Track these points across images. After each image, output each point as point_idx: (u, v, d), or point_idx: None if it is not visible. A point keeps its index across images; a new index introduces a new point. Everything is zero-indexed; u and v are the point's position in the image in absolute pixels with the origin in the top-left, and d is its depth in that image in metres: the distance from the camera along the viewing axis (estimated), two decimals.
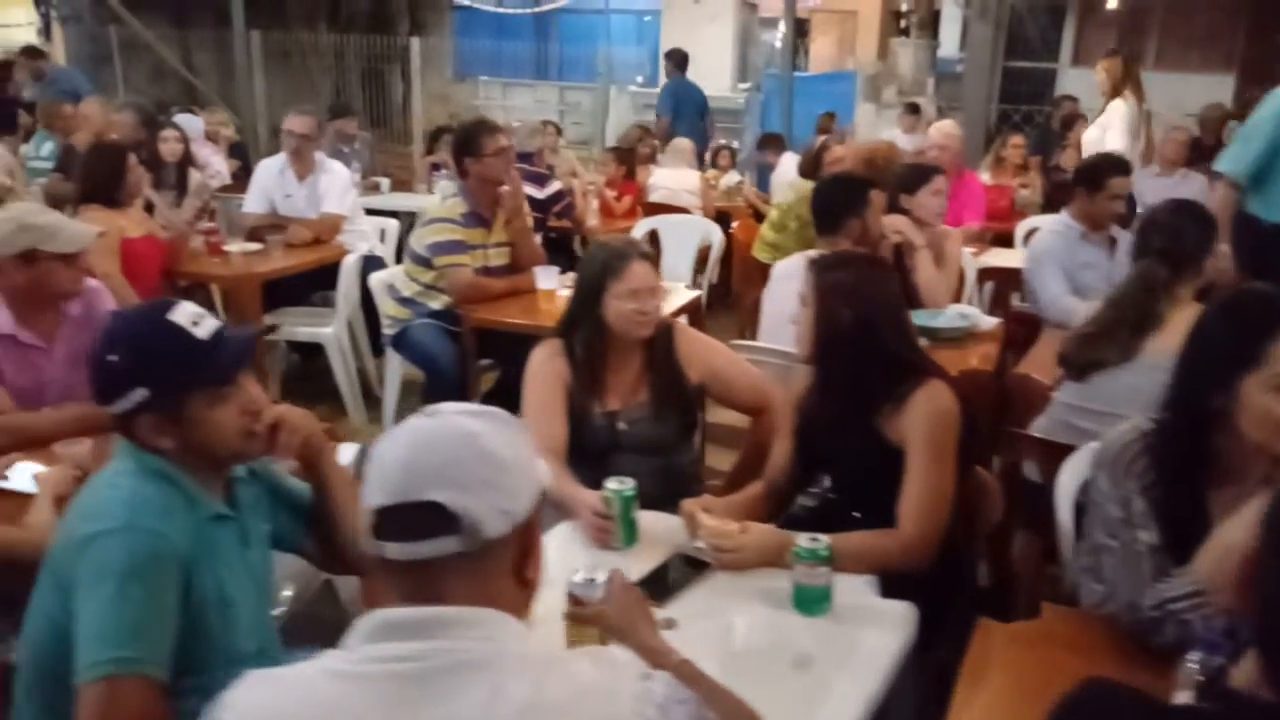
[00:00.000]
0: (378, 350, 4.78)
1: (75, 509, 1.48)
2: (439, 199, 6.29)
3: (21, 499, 2.13)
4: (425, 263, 3.75)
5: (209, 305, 5.12)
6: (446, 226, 3.68)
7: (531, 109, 12.05)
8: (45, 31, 14.01)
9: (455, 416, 1.08)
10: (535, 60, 16.57)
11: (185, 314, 1.48)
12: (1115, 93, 5.71)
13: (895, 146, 4.55)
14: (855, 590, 1.80)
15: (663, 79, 14.09)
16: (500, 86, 13.09)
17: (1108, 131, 5.70)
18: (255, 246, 4.53)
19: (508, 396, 4.04)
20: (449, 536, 1.01)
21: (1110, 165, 3.67)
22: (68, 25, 11.43)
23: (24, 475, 2.19)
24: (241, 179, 7.13)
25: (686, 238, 4.76)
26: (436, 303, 3.79)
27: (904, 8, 13.32)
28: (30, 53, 10.17)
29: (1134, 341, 2.33)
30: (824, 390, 2.12)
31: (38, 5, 13.59)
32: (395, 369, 4.03)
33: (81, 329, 2.63)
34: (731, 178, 7.42)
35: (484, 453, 1.05)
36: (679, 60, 9.17)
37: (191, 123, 6.59)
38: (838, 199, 3.13)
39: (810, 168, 5.06)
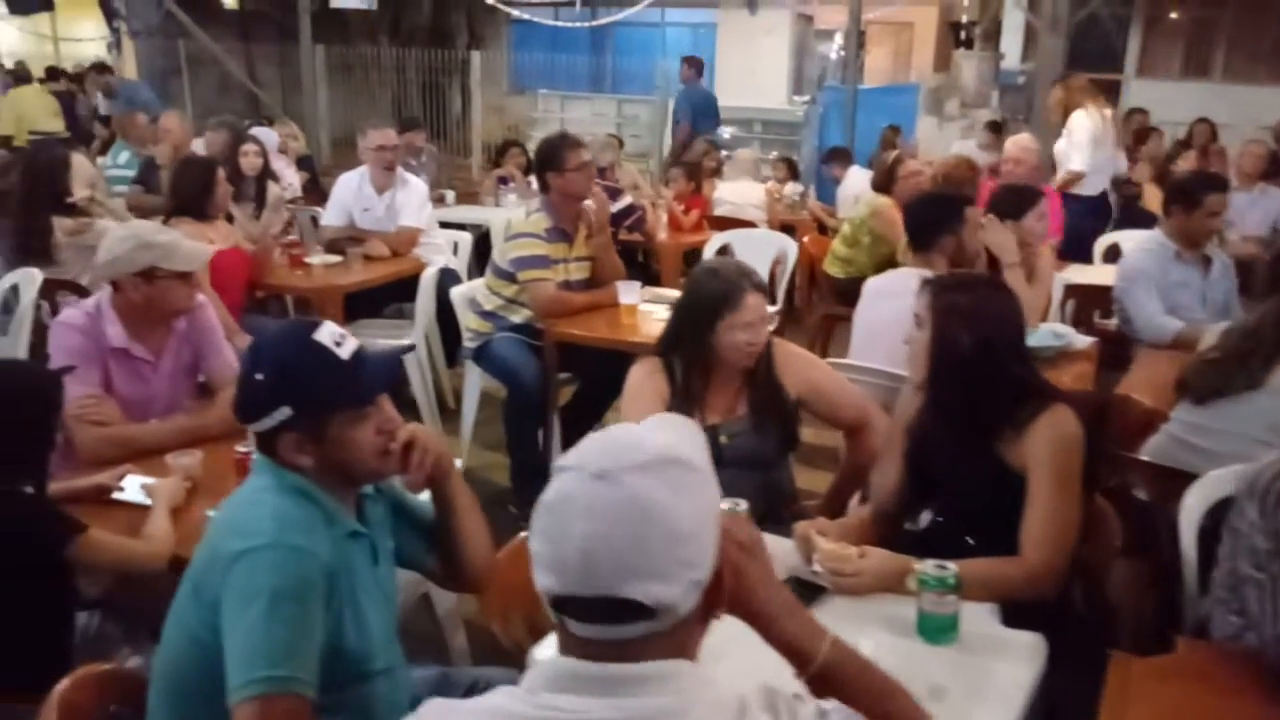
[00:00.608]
0: (450, 362, 4.84)
1: (218, 525, 1.49)
2: (507, 213, 6.40)
3: (134, 510, 2.17)
4: (508, 277, 3.77)
5: (285, 316, 5.21)
6: (530, 241, 3.70)
7: (590, 122, 12.10)
8: (116, 46, 14.40)
9: (632, 481, 0.96)
10: (591, 73, 16.66)
11: (329, 334, 1.50)
12: (1067, 112, 5.70)
13: (975, 162, 4.49)
14: (979, 619, 1.76)
15: (720, 91, 14.16)
16: (559, 99, 13.17)
17: (1071, 139, 5.66)
18: (335, 259, 4.59)
19: (585, 409, 4.08)
20: (642, 622, 0.96)
21: (1206, 182, 3.59)
22: (139, 40, 11.71)
23: (135, 487, 2.23)
24: (309, 191, 7.27)
25: (759, 252, 4.74)
26: (518, 316, 3.81)
27: (964, 19, 13.17)
28: (100, 68, 10.50)
29: (1265, 369, 2.27)
30: (939, 414, 2.08)
31: (109, 20, 13.96)
32: (474, 382, 4.05)
33: (186, 343, 2.68)
34: (791, 188, 7.38)
35: (671, 531, 0.96)
36: (698, 67, 9.45)
37: (268, 136, 6.70)
38: (932, 216, 3.09)
39: (883, 181, 5.01)
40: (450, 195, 6.86)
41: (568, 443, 3.99)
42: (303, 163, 8.03)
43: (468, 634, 2.60)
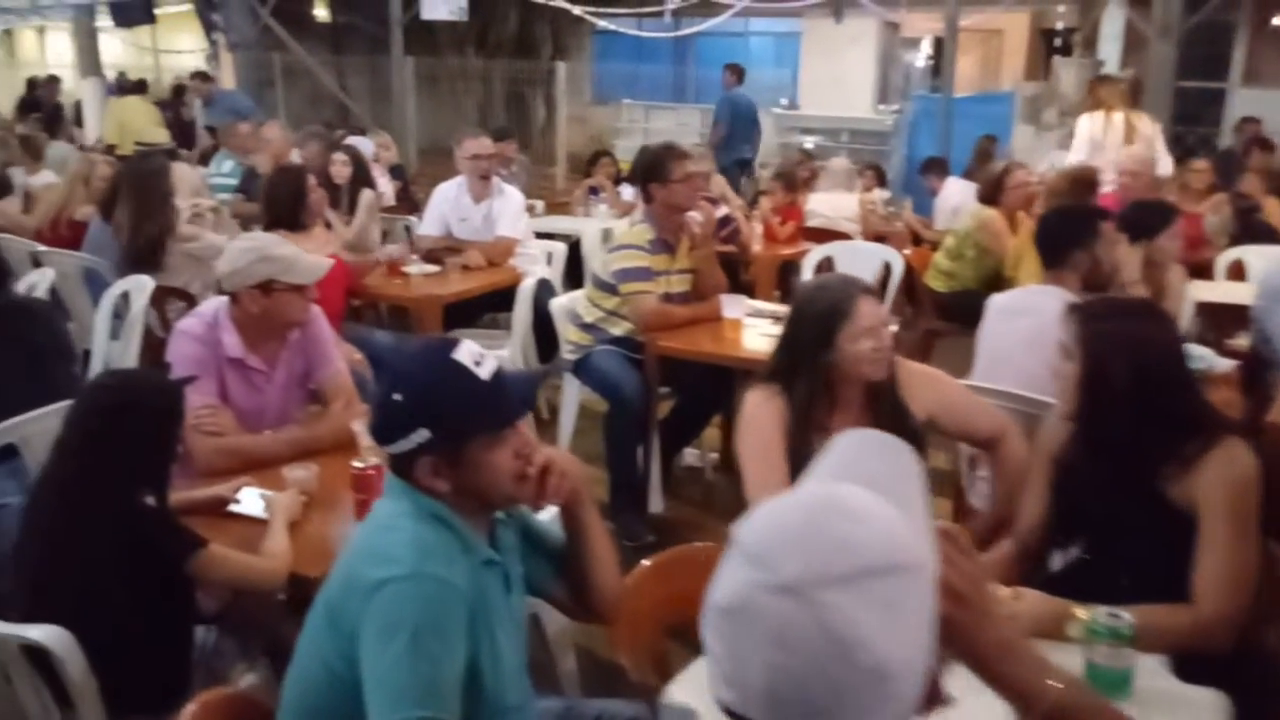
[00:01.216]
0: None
1: (356, 551, 1.44)
2: (598, 223, 6.36)
3: (250, 523, 2.15)
4: (610, 289, 3.70)
5: (379, 324, 5.24)
6: (633, 253, 3.63)
7: (674, 132, 12.02)
8: (214, 58, 14.83)
9: (830, 602, 0.77)
10: (673, 83, 16.64)
11: (468, 354, 1.43)
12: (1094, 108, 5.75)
13: (1096, 172, 4.28)
14: (1150, 671, 1.62)
15: (804, 101, 14.00)
16: (643, 109, 13.15)
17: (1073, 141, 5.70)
18: (434, 269, 4.59)
19: (685, 424, 4.00)
20: None
21: None
22: (237, 52, 12.02)
23: (251, 499, 2.20)
24: (401, 200, 7.34)
25: (863, 265, 4.59)
26: (618, 329, 3.74)
27: (1059, 25, 12.78)
28: (201, 76, 10.77)
29: None
30: (1092, 448, 1.94)
31: (209, 33, 14.38)
32: (573, 395, 3.98)
33: (299, 354, 2.66)
34: (878, 194, 7.20)
35: (877, 670, 0.78)
36: (739, 74, 10.24)
37: (363, 145, 6.78)
38: (1064, 231, 2.93)
39: (991, 193, 4.83)
40: (539, 205, 6.86)
41: (666, 457, 3.92)
42: (395, 172, 8.11)
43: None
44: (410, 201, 7.84)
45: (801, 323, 2.27)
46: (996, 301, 2.96)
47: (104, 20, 13.83)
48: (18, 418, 2.36)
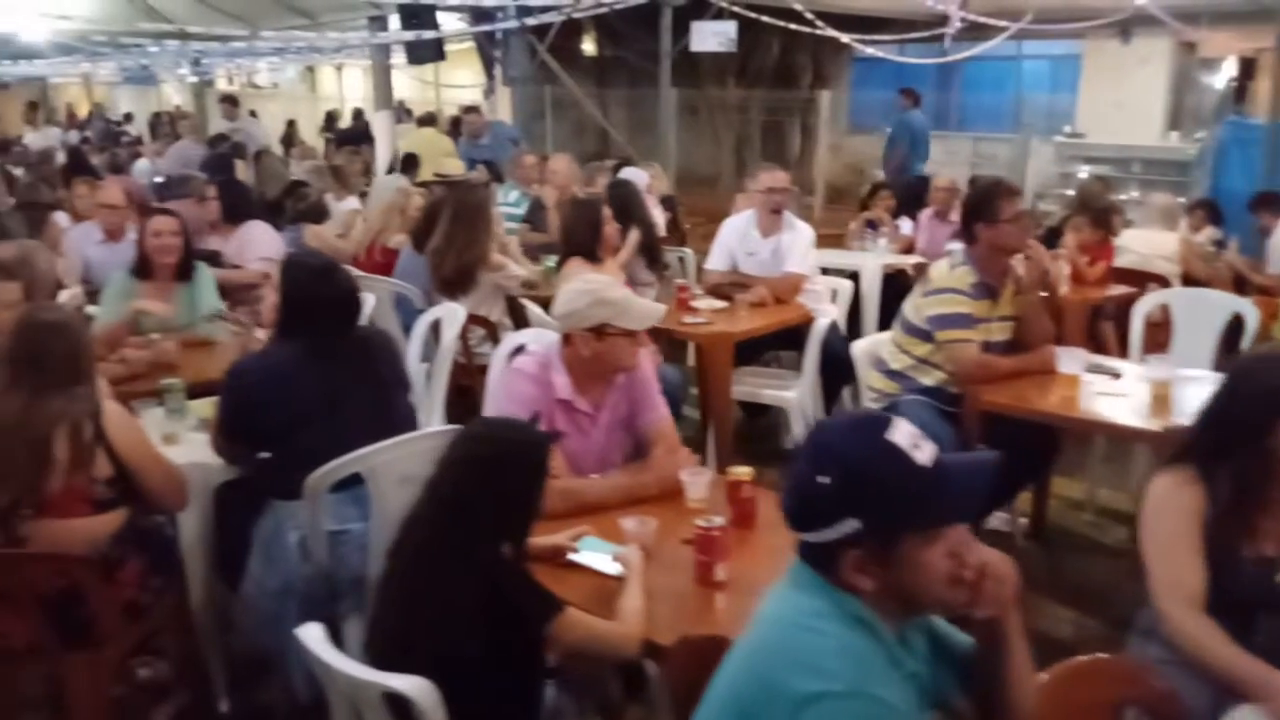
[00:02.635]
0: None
1: (770, 650, 1.27)
2: (877, 259, 6.08)
3: (588, 575, 2.07)
4: (923, 335, 3.44)
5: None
6: (955, 298, 3.35)
7: (942, 161, 11.49)
8: (490, 92, 15.74)
9: None
10: (935, 109, 15.98)
11: (905, 436, 1.25)
12: None
13: None
14: None
15: (1081, 128, 13.00)
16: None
17: None
18: (722, 304, 4.49)
19: (997, 485, 3.64)
20: None
21: None
22: (514, 86, 12.65)
23: (593, 551, 2.12)
24: (672, 231, 7.36)
25: (1206, 316, 4.06)
26: (929, 379, 3.46)
27: None
28: (472, 110, 11.33)
29: None
30: None
31: (488, 69, 15.28)
32: None
33: (624, 397, 2.60)
34: (1209, 234, 6.45)
35: None
36: (914, 98, 10.53)
37: (637, 176, 6.84)
38: None
39: None
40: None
41: (974, 520, 3.58)
42: (665, 202, 8.18)
43: None
44: (680, 232, 7.87)
45: (1238, 400, 1.93)
46: None
47: (395, 58, 15.02)
48: (366, 449, 2.42)
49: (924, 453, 1.25)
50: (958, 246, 3.50)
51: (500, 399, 2.49)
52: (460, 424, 3.60)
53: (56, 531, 2.27)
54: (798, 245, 4.69)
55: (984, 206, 3.38)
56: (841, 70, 16.26)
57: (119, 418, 2.38)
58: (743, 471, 2.28)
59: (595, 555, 2.09)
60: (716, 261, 4.84)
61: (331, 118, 17.31)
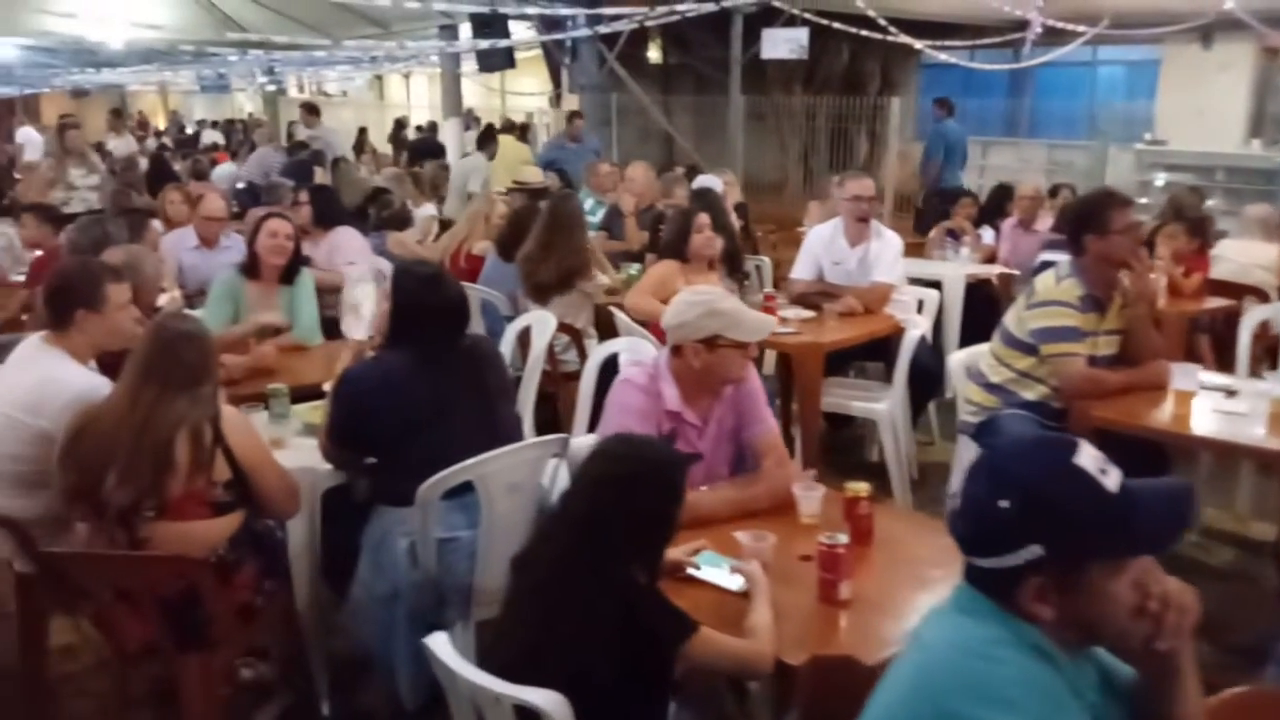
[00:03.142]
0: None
1: (948, 679, 1.21)
2: (961, 268, 5.98)
3: (707, 589, 2.04)
4: (1026, 348, 3.36)
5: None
6: (1062, 310, 3.26)
7: (1015, 168, 11.30)
8: (556, 99, 15.85)
9: None
10: (1005, 116, 15.72)
11: (1091, 459, 1.20)
12: None
13: None
14: None
15: (1160, 135, 12.67)
16: (980, 144, 12.45)
17: None
18: (808, 314, 4.43)
19: None
20: None
21: None
22: (583, 93, 12.71)
23: (713, 565, 2.09)
24: (746, 238, 7.30)
25: None
26: (1031, 393, 3.38)
27: None
28: (572, 116, 11.33)
29: None
30: None
31: (555, 77, 15.39)
32: (967, 459, 3.65)
33: (731, 409, 2.57)
34: None
35: None
36: (948, 108, 10.64)
37: (713, 184, 6.81)
38: None
39: None
40: None
41: None
42: (737, 209, 8.13)
43: None
44: (752, 240, 7.81)
45: None
46: None
47: (463, 65, 15.21)
48: (477, 457, 2.42)
49: (1111, 478, 1.20)
50: (1062, 257, 3.41)
51: (612, 410, 2.48)
52: (545, 431, 3.64)
53: (176, 534, 2.31)
54: (886, 254, 4.62)
55: (1095, 217, 3.29)
56: (909, 77, 16.07)
57: (237, 422, 2.42)
58: (860, 488, 2.24)
59: (715, 570, 2.06)
60: (802, 270, 4.78)
61: (400, 125, 17.56)
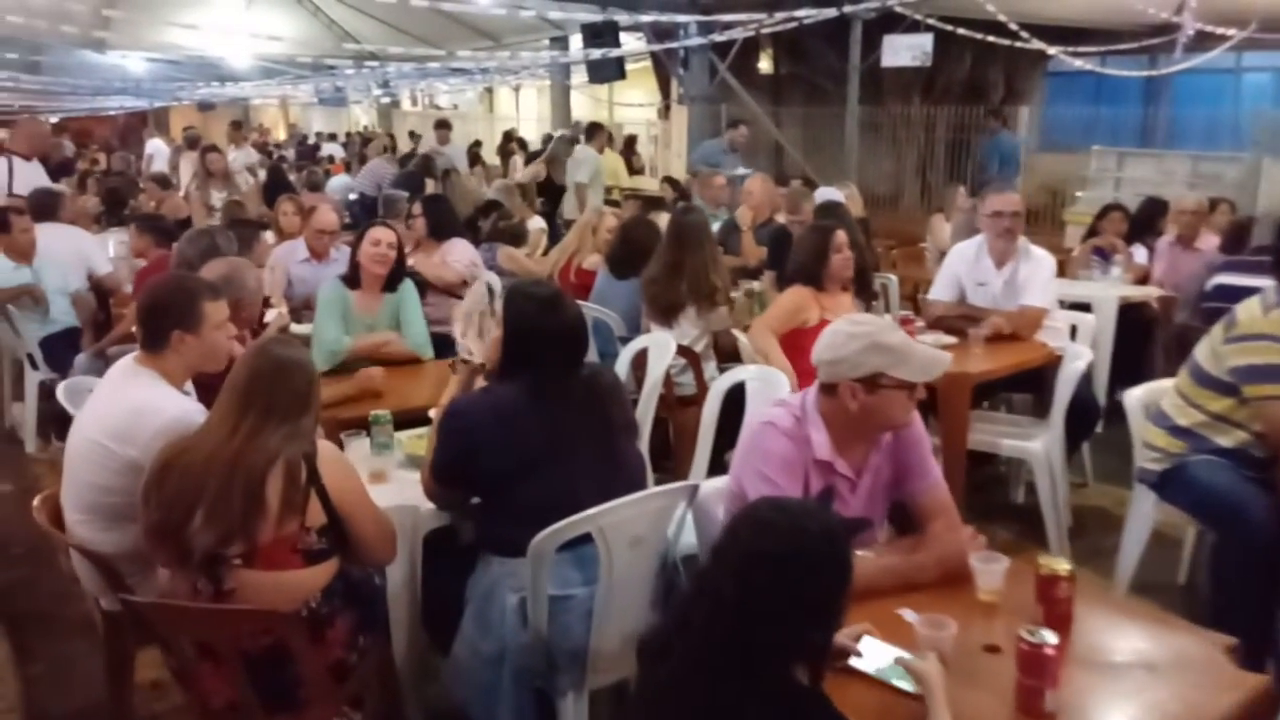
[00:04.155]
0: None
1: None
2: (1113, 289, 5.44)
3: (874, 687, 1.69)
4: (1224, 388, 2.90)
5: None
6: (1271, 346, 2.79)
7: (1156, 181, 10.50)
8: (664, 111, 15.63)
9: None
10: (1139, 126, 14.82)
11: None
12: None
13: None
14: None
15: None
16: (1115, 155, 11.65)
17: None
18: (950, 340, 4.02)
19: None
20: None
21: None
22: (694, 104, 12.44)
23: (878, 655, 1.73)
24: None
25: None
26: (1227, 439, 2.92)
27: None
28: (733, 125, 11.02)
29: None
30: None
31: (663, 88, 15.16)
32: (1146, 512, 3.20)
33: (889, 459, 2.22)
34: None
35: None
36: (1003, 118, 11.12)
37: (835, 197, 6.43)
38: None
39: None
40: None
41: None
42: (860, 224, 7.70)
43: None
44: (874, 256, 7.38)
45: None
46: None
47: (572, 77, 15.14)
48: (599, 507, 2.12)
49: None
50: (1267, 284, 2.94)
51: (752, 457, 2.15)
52: (656, 460, 3.33)
53: (266, 584, 2.07)
54: (1038, 276, 4.17)
55: None
56: (1034, 85, 15.29)
57: (335, 460, 2.18)
58: (1059, 565, 1.86)
59: (882, 663, 1.71)
60: (941, 291, 4.37)
61: (509, 137, 17.61)
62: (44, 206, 5.45)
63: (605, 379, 2.45)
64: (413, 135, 18.06)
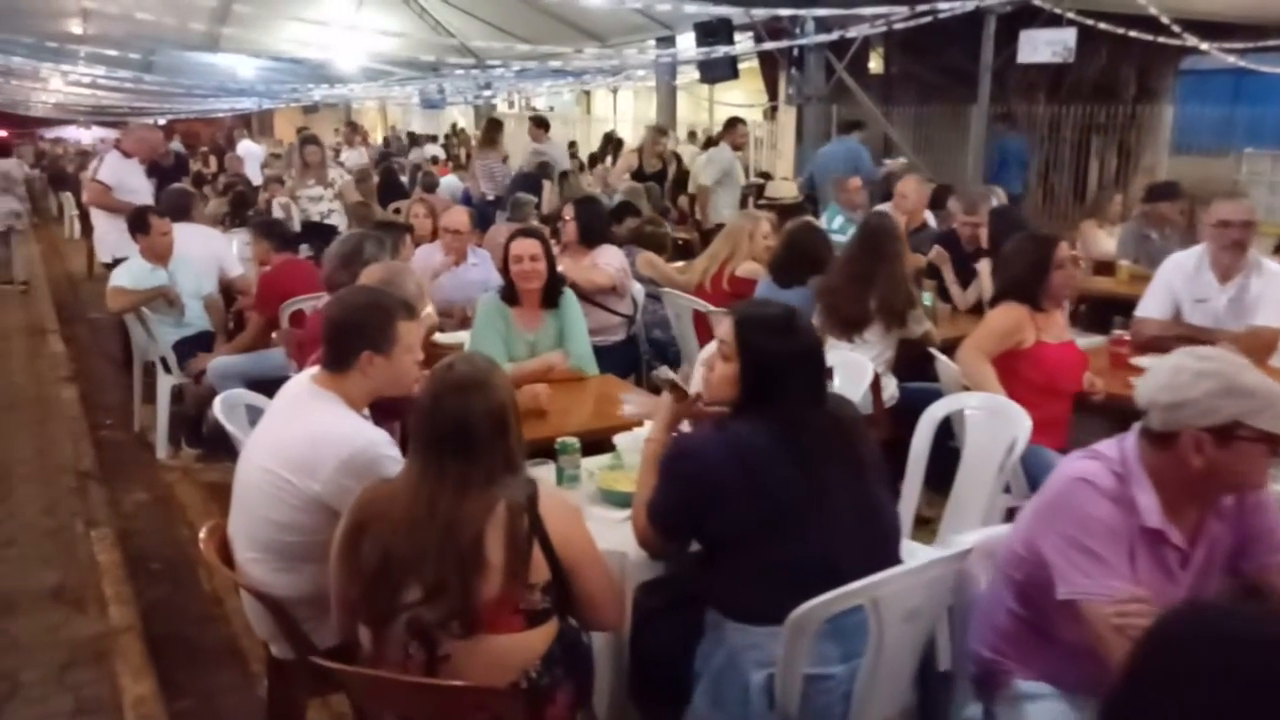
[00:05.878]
0: None
1: None
2: None
3: None
4: None
5: None
6: None
7: None
8: (772, 112, 15.20)
9: None
10: None
11: None
12: None
13: None
14: None
15: None
16: (1269, 159, 10.87)
17: None
18: None
19: None
20: None
21: None
22: (807, 105, 12.01)
23: None
24: None
25: None
26: None
27: None
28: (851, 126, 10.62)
29: None
30: None
31: (770, 88, 14.74)
32: None
33: (1230, 527, 1.81)
34: None
35: None
36: (1012, 121, 10.41)
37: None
38: None
39: None
40: None
41: None
42: None
43: None
44: None
45: None
46: None
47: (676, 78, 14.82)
48: (872, 577, 1.77)
49: None
50: None
51: (1065, 524, 1.76)
52: None
53: (485, 650, 1.77)
54: (1272, 292, 3.69)
55: None
56: (1167, 83, 14.42)
57: (556, 504, 1.86)
58: None
59: None
60: (1153, 307, 3.90)
61: (608, 139, 17.38)
62: (179, 207, 5.33)
63: (848, 411, 2.10)
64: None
